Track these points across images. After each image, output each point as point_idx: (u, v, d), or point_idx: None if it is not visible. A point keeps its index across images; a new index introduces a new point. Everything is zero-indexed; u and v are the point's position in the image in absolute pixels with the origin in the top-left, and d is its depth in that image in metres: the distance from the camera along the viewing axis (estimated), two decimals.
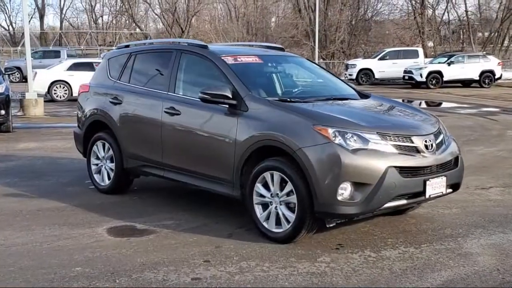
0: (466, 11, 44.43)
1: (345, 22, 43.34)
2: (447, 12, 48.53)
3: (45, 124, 15.79)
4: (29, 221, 6.27)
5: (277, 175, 5.43)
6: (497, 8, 47.18)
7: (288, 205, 5.41)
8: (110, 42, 58.16)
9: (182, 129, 6.34)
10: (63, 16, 71.24)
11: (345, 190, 5.09)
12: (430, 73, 31.42)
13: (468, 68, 31.76)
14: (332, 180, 5.05)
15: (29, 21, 51.83)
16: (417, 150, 5.36)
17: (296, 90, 6.52)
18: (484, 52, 36.08)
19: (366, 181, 5.07)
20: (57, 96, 22.68)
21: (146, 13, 67.58)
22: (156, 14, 61.36)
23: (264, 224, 5.58)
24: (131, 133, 7.03)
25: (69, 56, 36.17)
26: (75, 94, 22.65)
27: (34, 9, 65.95)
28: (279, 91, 6.44)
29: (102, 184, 7.53)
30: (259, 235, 5.65)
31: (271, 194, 5.51)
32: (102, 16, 73.42)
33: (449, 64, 31.71)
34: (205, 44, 6.66)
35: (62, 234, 5.83)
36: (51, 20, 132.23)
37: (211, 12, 62.11)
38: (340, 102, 6.17)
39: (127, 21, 67.45)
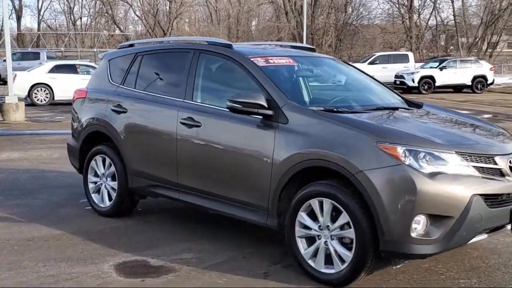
0: (454, 15, 43.81)
1: (333, 26, 42.50)
2: (435, 16, 47.93)
3: (27, 130, 14.64)
4: (18, 255, 5.20)
5: (327, 203, 4.43)
6: (480, 13, 46.71)
7: (342, 241, 4.42)
8: (91, 45, 56.67)
9: (203, 144, 5.32)
10: (40, 17, 69.67)
11: (419, 224, 4.11)
12: (422, 78, 30.74)
13: (460, 73, 31.15)
14: (403, 211, 4.07)
15: None
16: (501, 173, 4.40)
17: (337, 97, 5.51)
18: (476, 57, 35.43)
19: (446, 213, 4.09)
20: (38, 100, 21.50)
21: (125, 15, 66.31)
22: (138, 16, 60.10)
23: (310, 262, 4.58)
24: (138, 147, 5.98)
25: (49, 58, 34.85)
26: (57, 97, 21.54)
27: (11, 10, 64.25)
28: (321, 99, 5.43)
29: (102, 205, 6.46)
30: (302, 274, 4.64)
31: (320, 226, 4.51)
32: (81, 18, 71.96)
33: (441, 69, 31.08)
34: (229, 43, 5.64)
35: (61, 273, 4.77)
36: (28, 21, 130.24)
37: (191, 15, 61.09)
38: (395, 112, 5.18)
39: (107, 23, 66.07)
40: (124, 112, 6.13)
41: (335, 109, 4.89)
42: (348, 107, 5.09)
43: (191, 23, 61.85)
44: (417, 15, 46.65)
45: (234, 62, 5.38)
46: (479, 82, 31.27)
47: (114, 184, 6.31)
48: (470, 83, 31.19)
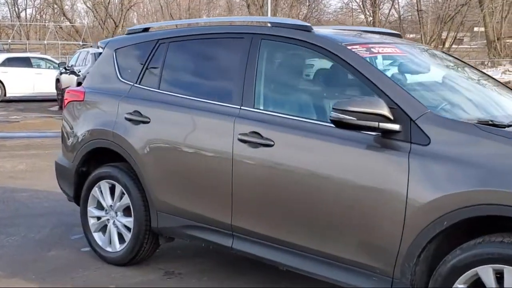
0: (418, 10, 42.80)
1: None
2: (395, 10, 46.92)
3: None
4: None
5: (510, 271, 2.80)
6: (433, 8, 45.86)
7: None
8: (38, 37, 53.68)
9: (278, 172, 3.64)
10: None
11: None
12: None
13: None
14: None
15: None
16: None
17: (447, 101, 3.80)
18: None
19: None
20: None
21: (72, 7, 63.20)
22: (89, 7, 57.27)
23: None
24: (169, 171, 4.25)
25: None
26: (9, 94, 19.39)
27: None
28: (458, 107, 3.75)
29: (109, 249, 4.70)
30: None
31: None
32: (25, 9, 68.38)
33: None
34: (307, 24, 3.93)
35: None
36: None
37: (142, 6, 58.75)
38: None
39: (54, 14, 62.90)
40: (146, 123, 4.37)
41: (491, 122, 3.27)
42: (493, 119, 3.45)
43: (141, 15, 59.42)
44: (376, 9, 45.56)
45: (320, 52, 3.71)
46: None
47: (129, 222, 4.55)
48: None
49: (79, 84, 16.19)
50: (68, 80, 17.33)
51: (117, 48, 4.93)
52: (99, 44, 5.25)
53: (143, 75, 4.60)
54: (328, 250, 3.46)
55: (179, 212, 4.23)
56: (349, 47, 3.63)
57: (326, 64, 3.83)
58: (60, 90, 18.37)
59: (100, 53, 15.45)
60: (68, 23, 54.83)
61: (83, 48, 18.40)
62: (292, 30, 3.88)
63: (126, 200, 4.55)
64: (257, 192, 3.77)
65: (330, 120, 3.30)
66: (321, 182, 3.45)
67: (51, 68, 20.72)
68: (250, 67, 3.92)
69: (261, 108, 3.85)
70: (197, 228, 4.15)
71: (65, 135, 5.07)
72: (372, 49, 3.73)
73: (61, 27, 54.14)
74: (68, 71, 17.58)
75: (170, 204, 4.27)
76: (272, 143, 3.64)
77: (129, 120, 4.46)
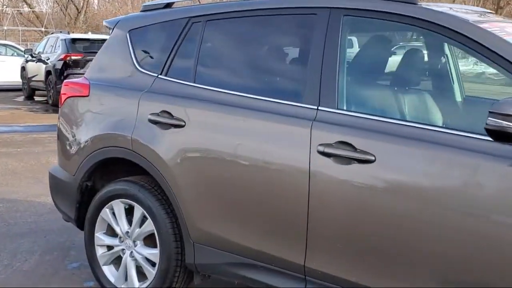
0: None
1: None
2: None
3: None
4: None
5: None
6: None
7: None
8: None
9: (385, 198, 2.63)
10: None
11: None
12: None
13: None
14: None
15: None
16: None
17: None
18: None
19: None
20: None
21: None
22: None
23: None
24: (212, 191, 3.21)
25: None
26: None
27: None
28: None
29: (124, 287, 3.63)
30: None
31: None
32: None
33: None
34: None
35: None
36: None
37: None
38: None
39: (11, 0, 60.49)
40: (179, 126, 3.31)
41: None
42: None
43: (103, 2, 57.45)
44: None
45: (440, 33, 2.72)
46: None
47: (153, 254, 3.51)
48: None
49: (48, 73, 14.93)
50: (35, 68, 16.02)
51: (132, 29, 3.85)
52: (104, 23, 4.14)
53: (171, 64, 3.54)
54: None
55: (226, 245, 3.20)
56: (481, 26, 2.64)
57: (444, 49, 2.85)
58: (26, 79, 17.06)
59: (73, 39, 13.96)
60: (27, 9, 52.64)
61: (51, 34, 17.05)
62: (391, 3, 2.86)
63: (149, 226, 3.50)
64: (346, 224, 2.77)
65: (486, 129, 2.31)
66: (459, 221, 2.46)
67: (15, 55, 19.28)
68: (328, 53, 2.91)
69: (349, 109, 2.85)
70: (251, 268, 3.14)
71: (64, 140, 3.98)
72: (506, 29, 2.75)
73: (20, 13, 51.96)
74: (35, 59, 16.24)
75: (213, 234, 3.24)
76: (373, 158, 2.64)
77: (155, 122, 3.40)
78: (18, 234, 4.99)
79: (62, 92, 4.02)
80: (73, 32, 23.37)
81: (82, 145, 3.77)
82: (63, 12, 50.65)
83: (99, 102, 3.79)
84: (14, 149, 9.04)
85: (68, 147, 3.90)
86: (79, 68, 14.21)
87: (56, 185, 4.05)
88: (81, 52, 14.39)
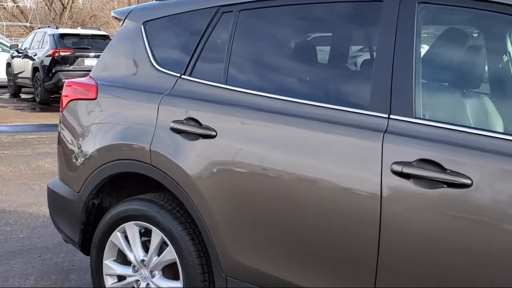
0: None
1: None
2: None
3: None
4: None
5: None
6: None
7: None
8: None
9: (483, 229, 2.09)
10: None
11: None
12: None
13: None
14: None
15: None
16: None
17: None
18: None
19: None
20: None
21: None
22: None
23: None
24: (250, 215, 2.65)
25: None
26: None
27: None
28: None
29: None
30: None
31: None
32: None
33: None
34: None
35: None
36: None
37: None
38: None
39: None
40: (209, 137, 2.74)
41: None
42: None
43: None
44: None
45: None
46: None
47: (173, 286, 2.93)
48: None
49: (35, 69, 14.28)
50: (22, 64, 15.37)
51: (148, 20, 3.27)
52: (113, 14, 3.55)
53: (196, 62, 2.97)
54: None
55: (268, 282, 2.64)
56: None
57: None
58: (12, 75, 16.40)
59: (61, 35, 13.20)
60: (11, 3, 51.63)
61: (39, 29, 16.33)
62: None
63: (170, 254, 2.94)
64: (430, 261, 2.22)
65: None
66: None
67: (0, 51, 18.57)
68: (400, 50, 2.36)
69: (430, 118, 2.31)
70: None
71: (66, 150, 3.40)
72: None
73: (4, 7, 50.93)
74: (21, 55, 15.58)
75: (251, 267, 2.68)
76: (469, 181, 2.09)
77: (179, 132, 2.84)
78: (9, 253, 4.41)
79: (63, 94, 3.44)
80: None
81: (88, 157, 3.20)
82: (48, 7, 49.78)
83: (109, 106, 3.22)
84: (1, 151, 8.42)
85: (71, 159, 3.32)
86: (68, 65, 13.60)
87: (56, 203, 3.47)
88: (70, 48, 13.72)
